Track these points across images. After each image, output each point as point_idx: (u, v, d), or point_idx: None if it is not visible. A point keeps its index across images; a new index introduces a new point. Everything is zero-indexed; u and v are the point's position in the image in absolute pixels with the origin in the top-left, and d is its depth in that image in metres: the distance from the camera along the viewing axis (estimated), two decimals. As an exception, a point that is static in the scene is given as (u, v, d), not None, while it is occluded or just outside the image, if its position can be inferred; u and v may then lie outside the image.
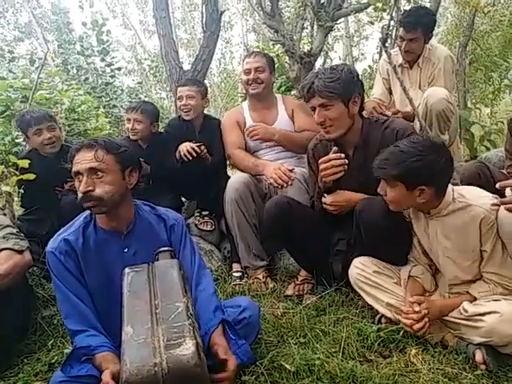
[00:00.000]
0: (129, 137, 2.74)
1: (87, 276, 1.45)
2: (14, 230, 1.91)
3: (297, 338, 1.72)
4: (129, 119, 2.70)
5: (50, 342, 1.88)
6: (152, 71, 10.33)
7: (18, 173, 2.39)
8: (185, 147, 2.49)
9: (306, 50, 5.81)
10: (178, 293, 1.12)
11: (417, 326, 1.51)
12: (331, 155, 1.84)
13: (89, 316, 1.42)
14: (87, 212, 1.53)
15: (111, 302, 1.37)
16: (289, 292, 2.21)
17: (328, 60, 8.22)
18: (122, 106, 8.18)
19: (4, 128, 5.06)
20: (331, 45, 8.97)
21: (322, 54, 6.99)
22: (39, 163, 2.51)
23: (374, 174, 1.58)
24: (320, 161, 1.87)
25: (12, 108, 5.14)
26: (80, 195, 1.42)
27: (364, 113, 1.97)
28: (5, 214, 2.15)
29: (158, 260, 1.31)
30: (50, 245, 1.48)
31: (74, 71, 8.58)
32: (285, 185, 2.23)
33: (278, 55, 5.97)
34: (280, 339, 1.74)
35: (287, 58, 6.36)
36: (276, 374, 1.50)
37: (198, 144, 2.51)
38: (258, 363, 1.50)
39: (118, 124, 7.88)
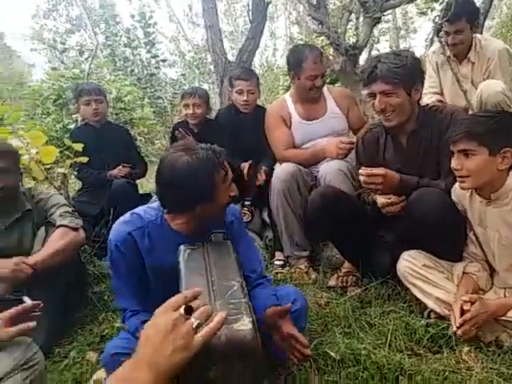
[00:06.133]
0: (187, 122, 2.82)
1: (149, 268, 1.41)
2: (70, 209, 2.00)
3: (341, 327, 1.71)
4: (187, 104, 2.77)
5: (101, 316, 1.98)
6: (195, 63, 10.47)
7: (72, 155, 2.50)
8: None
9: (351, 43, 5.71)
10: (233, 272, 1.13)
11: (459, 332, 1.46)
12: (375, 171, 1.75)
13: (139, 298, 1.42)
14: (156, 207, 1.45)
15: (169, 290, 1.38)
16: (331, 283, 2.19)
17: (374, 53, 8.04)
18: (166, 98, 8.36)
19: (56, 115, 5.31)
20: (377, 37, 8.74)
21: (367, 46, 6.84)
22: (87, 133, 2.79)
23: (441, 151, 1.52)
24: (364, 172, 1.78)
25: (63, 97, 5.39)
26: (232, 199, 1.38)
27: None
28: (61, 194, 2.26)
29: (211, 241, 1.33)
30: (114, 236, 1.40)
31: (121, 63, 8.83)
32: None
33: (322, 48, 5.91)
34: (324, 328, 1.74)
35: (331, 50, 6.27)
36: (321, 360, 1.50)
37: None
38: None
39: (161, 115, 8.07)
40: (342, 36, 6.04)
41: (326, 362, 1.48)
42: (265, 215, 2.77)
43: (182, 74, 10.30)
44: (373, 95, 1.78)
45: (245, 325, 0.96)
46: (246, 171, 2.54)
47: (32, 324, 1.19)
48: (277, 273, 2.37)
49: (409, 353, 1.52)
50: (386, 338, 1.58)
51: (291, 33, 12.42)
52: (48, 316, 1.42)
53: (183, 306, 0.76)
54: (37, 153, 2.24)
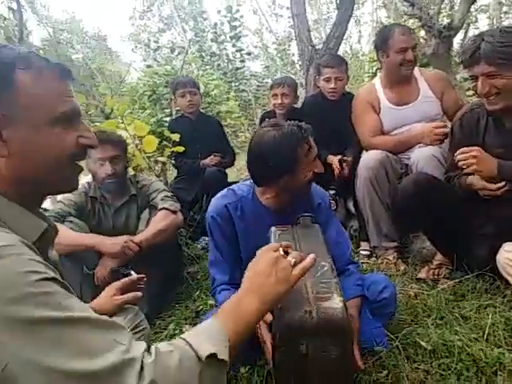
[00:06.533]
0: (274, 112, 2.89)
1: (241, 241, 1.53)
2: (169, 194, 2.18)
3: (433, 319, 1.65)
4: (276, 94, 2.83)
5: (196, 294, 2.14)
6: (279, 55, 10.55)
7: (170, 145, 2.71)
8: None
9: (445, 24, 5.34)
10: (322, 253, 1.17)
11: None
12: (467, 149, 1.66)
13: (229, 274, 1.52)
14: (248, 183, 1.57)
15: None
16: (422, 275, 2.11)
17: (471, 34, 7.41)
18: (250, 91, 8.57)
19: (151, 110, 5.74)
20: (474, 16, 8.00)
21: (463, 27, 6.33)
22: (183, 124, 2.98)
23: None
24: (459, 151, 1.70)
25: (157, 92, 5.80)
26: (316, 175, 1.43)
27: None
28: (161, 181, 2.47)
29: (299, 223, 1.38)
30: (212, 208, 1.52)
31: (208, 58, 9.22)
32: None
33: (413, 30, 5.60)
34: (414, 318, 1.70)
35: (423, 32, 5.92)
36: (411, 350, 1.47)
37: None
38: (392, 337, 1.49)
39: (246, 107, 8.30)
40: (435, 17, 5.68)
41: (415, 352, 1.46)
42: (350, 204, 2.75)
43: (266, 67, 10.45)
44: (475, 78, 1.67)
45: (336, 303, 0.99)
46: (337, 166, 2.53)
47: (139, 294, 1.32)
48: (363, 263, 2.34)
49: (509, 348, 1.43)
50: (483, 332, 1.50)
51: (378, 17, 11.91)
52: (150, 290, 1.56)
53: (281, 248, 0.88)
54: (140, 142, 2.47)
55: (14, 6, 5.63)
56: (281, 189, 1.43)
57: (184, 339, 0.71)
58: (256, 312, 0.80)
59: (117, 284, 1.32)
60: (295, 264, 0.86)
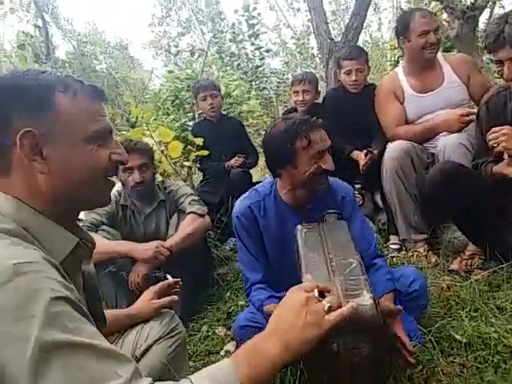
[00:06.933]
0: (295, 109, 2.88)
1: (266, 240, 1.58)
2: (196, 198, 2.22)
3: (467, 311, 1.63)
4: (297, 91, 2.83)
5: (227, 295, 2.18)
6: (298, 50, 10.48)
7: (194, 149, 2.76)
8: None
9: (468, 3, 5.17)
10: (350, 250, 1.17)
11: None
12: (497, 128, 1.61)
13: (262, 272, 1.56)
14: (270, 181, 1.64)
15: (283, 263, 1.51)
16: (454, 266, 2.07)
17: (496, 12, 7.11)
18: (271, 88, 8.56)
19: (175, 115, 5.82)
20: (500, -7, 7.66)
21: (488, 5, 6.10)
22: (206, 128, 3.04)
23: None
24: (490, 131, 1.66)
25: (179, 97, 5.88)
26: (326, 172, 1.45)
27: None
28: (187, 185, 2.52)
29: (325, 221, 1.38)
30: (237, 209, 1.60)
31: (228, 58, 9.26)
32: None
33: (434, 14, 5.44)
34: (447, 311, 1.68)
35: (445, 15, 5.74)
36: (445, 343, 1.46)
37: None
38: (425, 331, 1.47)
39: (267, 105, 8.29)
40: (458, -3, 5.48)
41: (450, 345, 1.44)
42: (377, 198, 2.71)
43: (286, 63, 10.40)
44: (500, 62, 1.62)
45: (365, 300, 0.99)
46: (363, 162, 2.49)
47: (176, 297, 1.36)
48: (393, 257, 2.32)
49: (549, 340, 1.39)
50: (521, 323, 1.47)
51: (398, 2, 11.61)
52: (182, 293, 1.60)
53: (317, 289, 0.81)
54: (165, 148, 2.52)
55: (40, 23, 5.86)
56: (291, 182, 1.50)
57: (191, 381, 0.67)
58: (276, 358, 0.72)
59: (154, 288, 1.36)
60: (330, 309, 0.77)
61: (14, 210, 0.73)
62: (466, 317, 1.57)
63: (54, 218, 0.77)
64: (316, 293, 0.80)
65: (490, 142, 1.67)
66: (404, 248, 2.38)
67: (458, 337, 1.45)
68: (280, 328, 0.75)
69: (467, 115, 2.12)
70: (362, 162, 2.52)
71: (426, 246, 2.29)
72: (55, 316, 0.60)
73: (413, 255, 2.27)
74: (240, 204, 1.60)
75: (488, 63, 5.47)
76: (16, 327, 0.57)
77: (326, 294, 0.83)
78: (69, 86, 0.77)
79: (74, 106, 0.77)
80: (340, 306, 0.79)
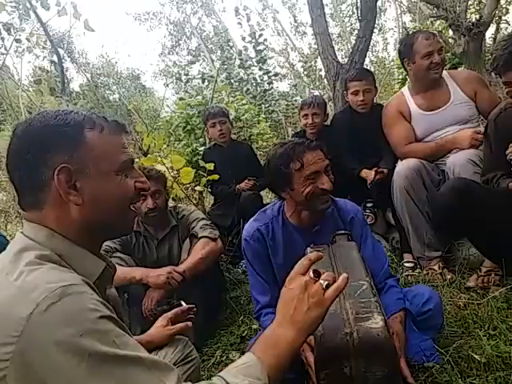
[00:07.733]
0: (304, 131, 2.91)
1: (274, 261, 1.59)
2: (208, 222, 2.24)
3: (485, 330, 1.59)
4: (306, 115, 2.85)
5: (240, 319, 2.16)
6: (305, 72, 10.63)
7: (205, 174, 2.80)
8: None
9: (473, 20, 5.21)
10: (360, 272, 1.17)
11: None
12: None
13: (270, 293, 1.57)
14: (279, 203, 1.65)
15: None
16: (470, 284, 2.03)
17: (502, 27, 7.14)
18: (279, 111, 8.67)
19: (186, 141, 5.93)
20: (505, 7, 7.71)
21: (494, 20, 6.14)
22: (217, 153, 3.10)
23: None
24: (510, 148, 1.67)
25: (190, 123, 6.00)
26: (324, 192, 1.46)
27: None
28: (199, 209, 2.55)
29: (335, 242, 1.39)
30: (245, 232, 1.63)
31: (237, 84, 9.43)
32: None
33: (439, 32, 5.50)
34: (464, 330, 1.64)
35: (451, 32, 5.80)
36: (463, 363, 1.42)
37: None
38: (442, 351, 1.44)
39: (276, 128, 8.38)
40: (463, 14, 5.55)
41: (469, 366, 1.40)
42: (389, 216, 2.70)
43: (294, 85, 10.54)
44: (509, 83, 1.63)
45: (376, 323, 0.99)
46: (371, 178, 2.49)
47: (190, 324, 1.36)
48: (407, 275, 2.29)
49: None
50: (541, 342, 1.43)
51: (403, 22, 11.79)
52: (195, 319, 1.61)
53: (311, 270, 0.86)
54: (177, 174, 2.57)
55: (55, 58, 6.10)
56: (294, 203, 1.53)
57: (223, 379, 0.73)
58: (294, 343, 0.80)
59: (168, 315, 1.37)
60: (328, 286, 0.83)
61: (48, 238, 0.78)
62: (485, 336, 1.53)
63: (84, 245, 0.82)
64: (311, 273, 0.85)
65: (509, 156, 1.68)
66: (418, 266, 2.35)
67: (476, 357, 1.41)
68: (289, 315, 0.82)
69: (481, 135, 2.12)
70: (369, 178, 2.52)
71: (440, 263, 2.26)
72: (103, 333, 0.65)
73: (428, 273, 2.23)
74: (249, 226, 1.63)
75: (497, 77, 5.48)
76: (67, 343, 0.62)
77: (321, 271, 0.87)
78: (95, 122, 0.82)
79: (102, 141, 0.82)
80: (335, 281, 0.85)
